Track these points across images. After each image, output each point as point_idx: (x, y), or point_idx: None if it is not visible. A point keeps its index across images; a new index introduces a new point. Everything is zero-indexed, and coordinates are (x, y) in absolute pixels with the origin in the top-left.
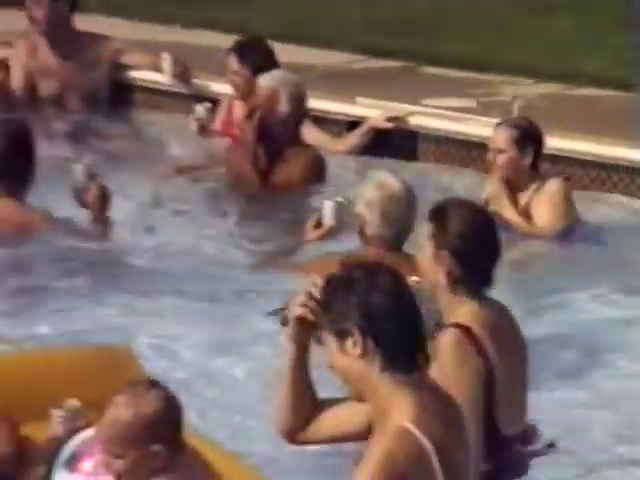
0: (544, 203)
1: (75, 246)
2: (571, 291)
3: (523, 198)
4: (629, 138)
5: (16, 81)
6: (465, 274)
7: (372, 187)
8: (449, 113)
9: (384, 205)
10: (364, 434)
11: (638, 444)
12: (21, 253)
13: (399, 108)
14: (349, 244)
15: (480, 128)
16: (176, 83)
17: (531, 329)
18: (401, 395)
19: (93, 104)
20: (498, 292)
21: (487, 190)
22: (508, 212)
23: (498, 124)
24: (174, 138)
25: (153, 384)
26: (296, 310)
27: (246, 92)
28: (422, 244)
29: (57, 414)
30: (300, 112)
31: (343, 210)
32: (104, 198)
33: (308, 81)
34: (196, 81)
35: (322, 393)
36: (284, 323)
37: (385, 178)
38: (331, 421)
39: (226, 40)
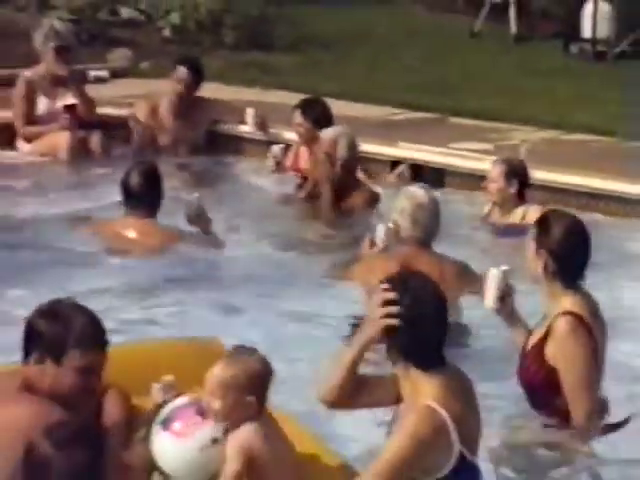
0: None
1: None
2: None
3: (514, 217)
4: (614, 173)
5: (139, 134)
6: (559, 269)
7: (404, 197)
8: (470, 154)
9: (414, 212)
10: (392, 402)
11: None
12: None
13: (431, 150)
14: None
15: None
16: (256, 132)
17: None
18: (427, 380)
19: (195, 151)
20: None
21: (485, 209)
22: (501, 219)
23: (494, 161)
24: (255, 175)
25: (255, 350)
26: (381, 322)
27: (308, 140)
28: (527, 243)
29: (156, 386)
30: (354, 156)
31: (391, 233)
32: (207, 219)
33: (362, 129)
34: (272, 130)
35: None
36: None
37: (415, 191)
38: (367, 392)
39: (297, 98)
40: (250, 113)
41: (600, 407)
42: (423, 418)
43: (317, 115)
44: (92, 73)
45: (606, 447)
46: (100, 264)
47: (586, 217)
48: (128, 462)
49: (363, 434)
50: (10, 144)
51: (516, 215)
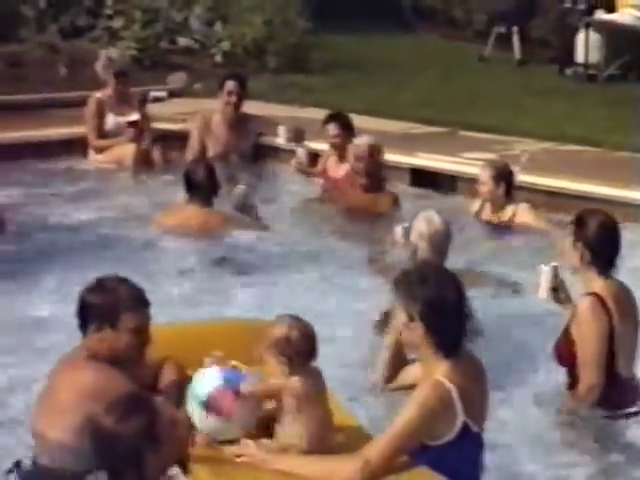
0: (527, 213)
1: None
2: None
3: (504, 216)
4: (603, 179)
5: (193, 144)
6: (593, 259)
7: (423, 222)
8: (478, 162)
9: (431, 237)
10: None
11: None
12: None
13: (444, 159)
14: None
15: None
16: (289, 144)
17: None
18: (442, 361)
19: (243, 158)
20: None
21: (475, 206)
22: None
23: (482, 165)
24: (290, 179)
25: (297, 318)
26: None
27: (342, 149)
28: (563, 239)
29: (207, 360)
30: (380, 162)
31: (408, 231)
32: (253, 206)
33: (384, 141)
34: (305, 142)
35: None
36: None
37: (432, 216)
38: (408, 376)
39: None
40: (282, 129)
41: (633, 392)
42: (431, 389)
43: (350, 126)
44: (152, 94)
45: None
46: (166, 249)
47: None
48: (178, 419)
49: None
50: (84, 154)
51: (506, 213)
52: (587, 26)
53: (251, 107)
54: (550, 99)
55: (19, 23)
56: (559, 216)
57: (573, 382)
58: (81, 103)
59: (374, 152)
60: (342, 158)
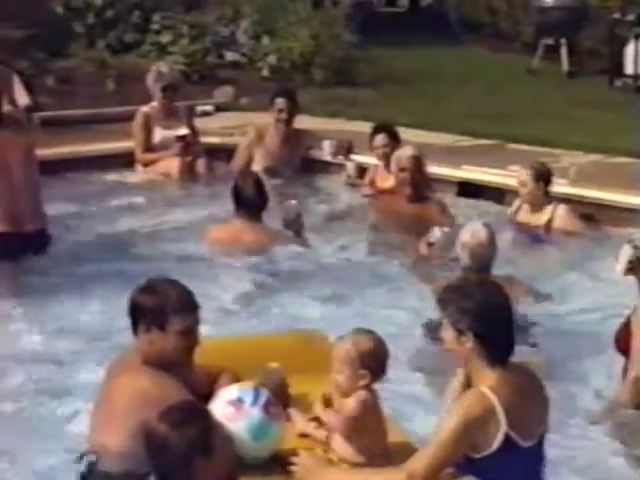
0: (566, 216)
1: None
2: None
3: (543, 217)
4: None
5: (240, 156)
6: None
7: (467, 233)
8: None
9: (472, 249)
10: None
11: None
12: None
13: (491, 172)
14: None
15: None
16: (334, 158)
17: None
18: (489, 374)
19: (293, 171)
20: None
21: (513, 207)
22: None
23: (522, 167)
24: (338, 192)
25: (372, 332)
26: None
27: (390, 159)
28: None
29: (263, 370)
30: (426, 171)
31: (448, 236)
32: (302, 224)
33: (430, 154)
34: (352, 155)
35: None
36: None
37: (477, 229)
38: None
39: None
40: (326, 143)
41: None
42: (473, 400)
43: (396, 136)
44: (199, 108)
45: None
46: (215, 264)
47: (626, 231)
48: None
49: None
50: (131, 168)
51: (545, 214)
52: (637, 37)
53: (297, 121)
54: (599, 111)
55: (69, 39)
56: (607, 229)
57: (625, 373)
58: (129, 118)
59: (417, 162)
60: (390, 169)
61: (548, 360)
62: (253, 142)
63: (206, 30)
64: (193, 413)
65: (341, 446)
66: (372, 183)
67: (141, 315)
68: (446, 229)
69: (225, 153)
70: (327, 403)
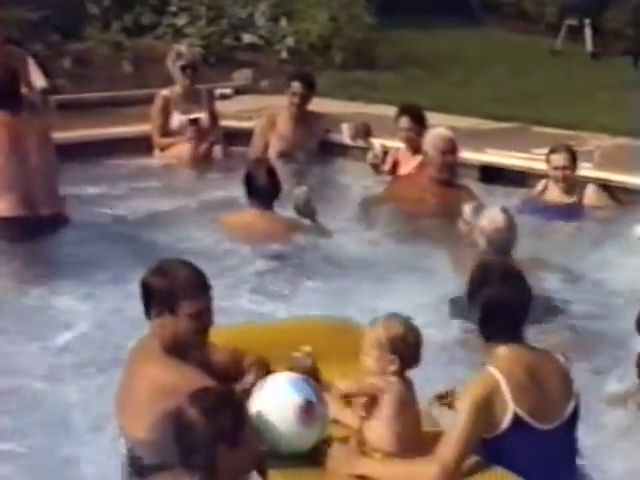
0: (595, 194)
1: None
2: None
3: (573, 196)
4: None
5: (256, 142)
6: None
7: (485, 219)
8: None
9: (489, 234)
10: None
11: None
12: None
13: (514, 155)
14: None
15: None
16: (353, 142)
17: None
18: (497, 352)
19: (309, 156)
20: None
21: (539, 187)
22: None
23: (553, 151)
24: (358, 177)
25: (405, 318)
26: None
27: (414, 143)
28: None
29: (295, 354)
30: (456, 155)
31: (476, 210)
32: (314, 209)
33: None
34: (371, 139)
35: None
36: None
37: (496, 214)
38: None
39: (395, 111)
40: (345, 126)
41: None
42: (478, 379)
43: (422, 119)
44: (218, 91)
45: None
46: (228, 253)
47: None
48: None
49: None
50: (149, 152)
51: (575, 192)
52: None
53: (316, 104)
54: (624, 93)
55: (84, 21)
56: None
57: None
58: (148, 101)
59: (455, 145)
60: (415, 152)
61: (574, 340)
62: (266, 128)
63: (223, 12)
64: (226, 401)
65: (374, 434)
66: (394, 167)
67: (152, 298)
68: (475, 203)
69: (244, 137)
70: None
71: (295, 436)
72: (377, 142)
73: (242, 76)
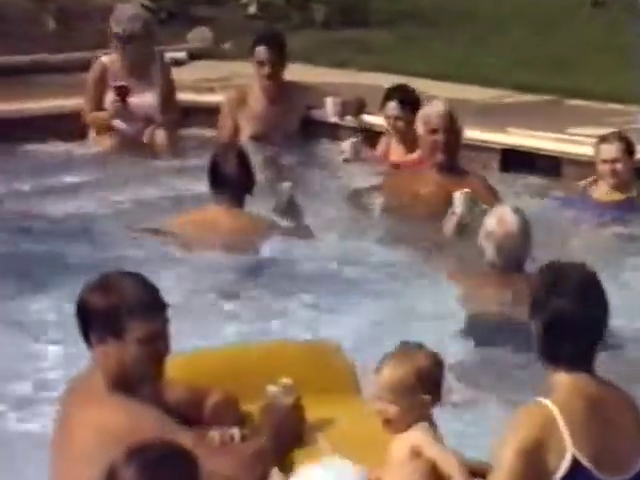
0: None
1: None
2: None
3: (626, 193)
4: None
5: (223, 122)
6: None
7: (494, 221)
8: (588, 140)
9: (500, 240)
10: None
11: None
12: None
13: (544, 136)
14: None
15: None
16: (340, 120)
17: None
18: (558, 379)
19: (289, 139)
20: None
21: (583, 182)
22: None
23: (603, 139)
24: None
25: (421, 346)
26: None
27: (405, 132)
28: None
29: (271, 389)
30: (460, 132)
31: (471, 202)
32: (298, 210)
33: (464, 114)
34: (364, 116)
35: None
36: None
37: (505, 215)
38: None
39: (392, 80)
40: (329, 101)
41: None
42: (530, 415)
43: (415, 104)
44: (169, 55)
45: None
46: (184, 261)
47: None
48: None
49: None
50: (81, 135)
51: (631, 188)
52: None
53: (294, 72)
54: None
55: None
56: None
57: None
58: (77, 68)
59: (451, 121)
60: (405, 144)
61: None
62: (235, 105)
63: None
64: (171, 456)
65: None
66: (385, 155)
67: (91, 320)
68: (466, 190)
69: (202, 114)
70: None
71: None
72: (348, 141)
73: (199, 36)
